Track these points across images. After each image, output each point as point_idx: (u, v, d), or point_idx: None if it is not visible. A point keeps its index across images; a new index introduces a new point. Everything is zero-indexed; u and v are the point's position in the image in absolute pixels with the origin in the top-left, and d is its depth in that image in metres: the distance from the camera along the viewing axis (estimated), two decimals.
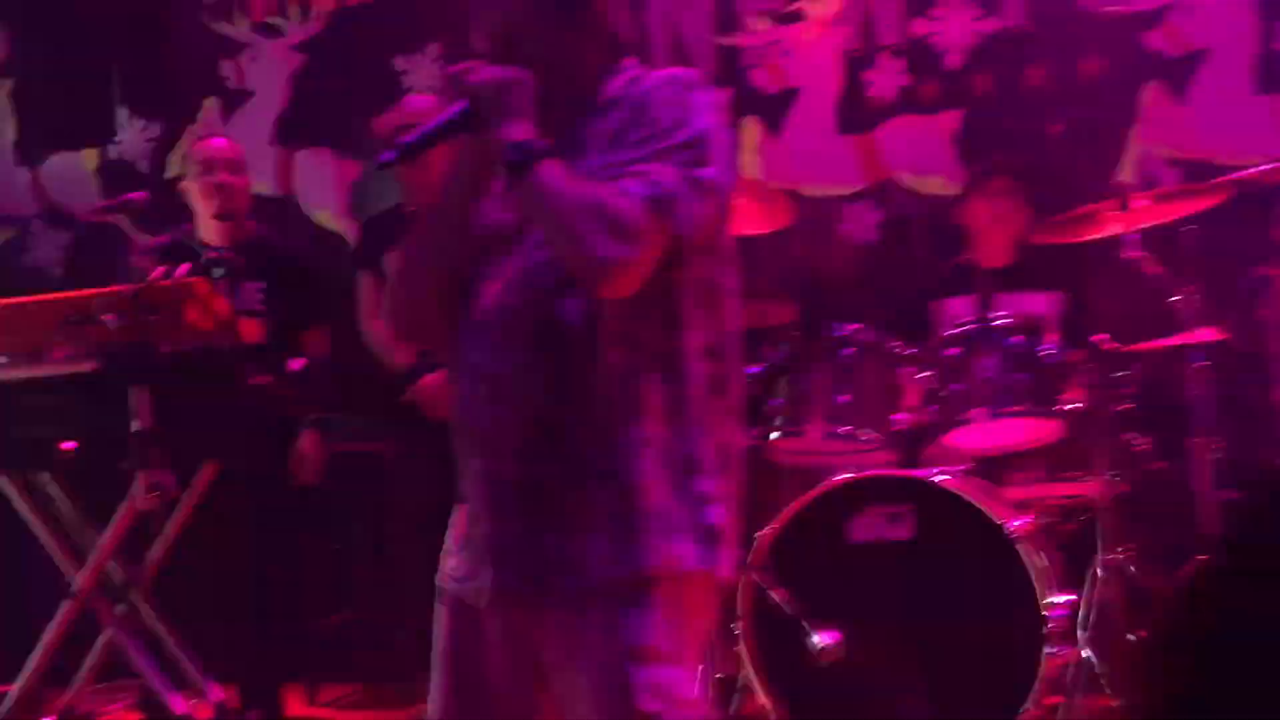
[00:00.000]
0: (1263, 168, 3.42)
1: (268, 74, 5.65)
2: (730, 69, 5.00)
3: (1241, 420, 3.57)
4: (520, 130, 1.81)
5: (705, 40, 5.02)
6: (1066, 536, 3.49)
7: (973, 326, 3.40)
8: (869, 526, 3.24)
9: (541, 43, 1.89)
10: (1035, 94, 4.71)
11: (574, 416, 1.82)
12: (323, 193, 5.59)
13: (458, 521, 1.96)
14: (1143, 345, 3.54)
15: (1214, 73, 4.49)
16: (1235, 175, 3.45)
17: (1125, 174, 4.61)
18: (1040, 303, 4.03)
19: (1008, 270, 4.17)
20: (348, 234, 5.45)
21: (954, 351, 3.41)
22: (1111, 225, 3.42)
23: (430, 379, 4.02)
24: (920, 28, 4.82)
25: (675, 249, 1.83)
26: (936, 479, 3.27)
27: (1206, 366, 3.36)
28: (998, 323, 3.39)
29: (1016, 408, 3.33)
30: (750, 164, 4.94)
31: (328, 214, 5.58)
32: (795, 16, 4.98)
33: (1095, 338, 3.47)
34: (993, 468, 3.53)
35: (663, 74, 1.91)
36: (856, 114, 4.89)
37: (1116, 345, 3.45)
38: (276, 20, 5.64)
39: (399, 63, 5.47)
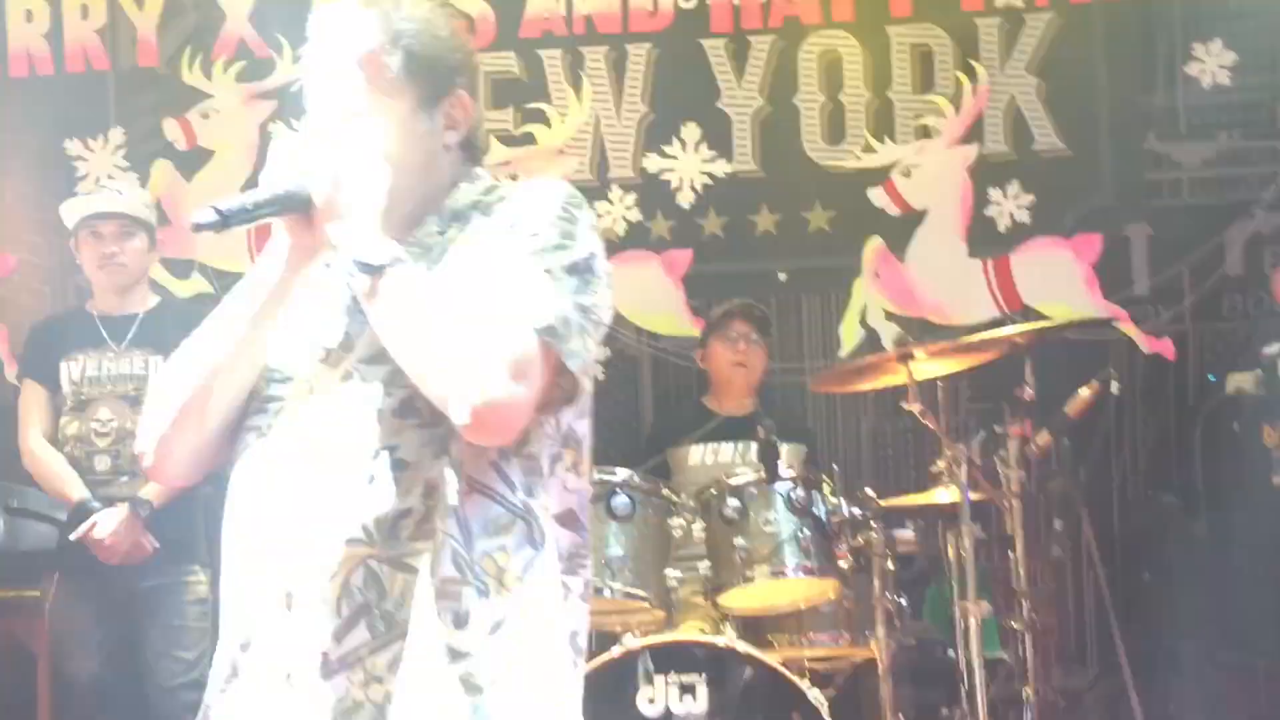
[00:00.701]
0: (1020, 328, 3.54)
1: None
2: None
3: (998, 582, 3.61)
4: (368, 227, 1.57)
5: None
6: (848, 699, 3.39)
7: (752, 479, 3.28)
8: (660, 699, 3.00)
9: (398, 134, 1.65)
10: (764, 239, 4.74)
11: (405, 583, 1.56)
12: None
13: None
14: (909, 501, 3.53)
15: (931, 234, 4.66)
16: (1000, 334, 3.53)
17: (845, 327, 4.69)
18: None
19: (747, 417, 4.10)
20: None
21: (733, 504, 3.27)
22: (891, 376, 3.41)
23: (107, 516, 3.46)
24: (653, 164, 4.77)
25: (552, 391, 1.60)
26: (732, 646, 3.09)
27: (972, 526, 3.37)
28: (784, 475, 3.28)
29: (802, 565, 3.22)
30: None
31: None
32: (526, 140, 4.81)
33: (865, 492, 3.43)
34: (765, 627, 3.39)
35: (538, 183, 1.69)
36: None
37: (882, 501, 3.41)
38: None
39: (73, 147, 4.87)
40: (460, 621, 1.56)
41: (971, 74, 4.68)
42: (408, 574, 1.56)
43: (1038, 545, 3.59)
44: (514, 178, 4.71)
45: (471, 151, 1.75)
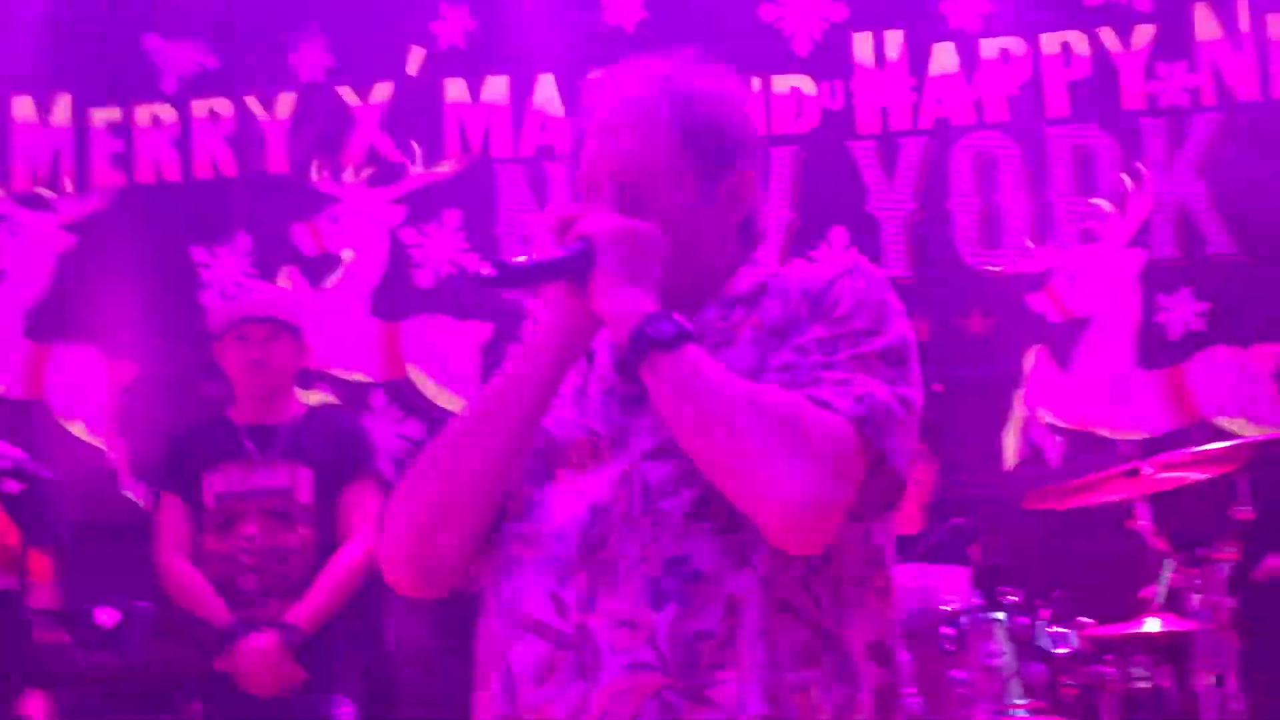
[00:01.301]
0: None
1: (25, 253, 4.74)
2: None
3: None
4: (650, 300, 1.40)
5: None
6: None
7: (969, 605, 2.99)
8: None
9: (677, 205, 1.49)
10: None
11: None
12: (81, 400, 4.66)
13: None
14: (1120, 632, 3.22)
15: (1096, 342, 4.41)
16: (1245, 440, 3.25)
17: (1010, 439, 4.42)
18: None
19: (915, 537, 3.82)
20: (108, 448, 4.54)
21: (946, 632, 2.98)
22: (1118, 491, 3.13)
23: (254, 642, 3.21)
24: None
25: (865, 494, 1.38)
26: None
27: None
28: (1005, 601, 2.99)
29: (1029, 704, 2.91)
30: None
31: (82, 426, 4.64)
32: None
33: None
34: None
35: (842, 263, 1.49)
36: None
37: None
38: (44, 192, 4.78)
39: (198, 254, 4.73)
40: None
41: (1136, 176, 4.46)
42: (710, 709, 1.34)
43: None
44: None
45: (751, 237, 1.57)
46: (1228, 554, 3.24)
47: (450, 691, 4.20)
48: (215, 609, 3.28)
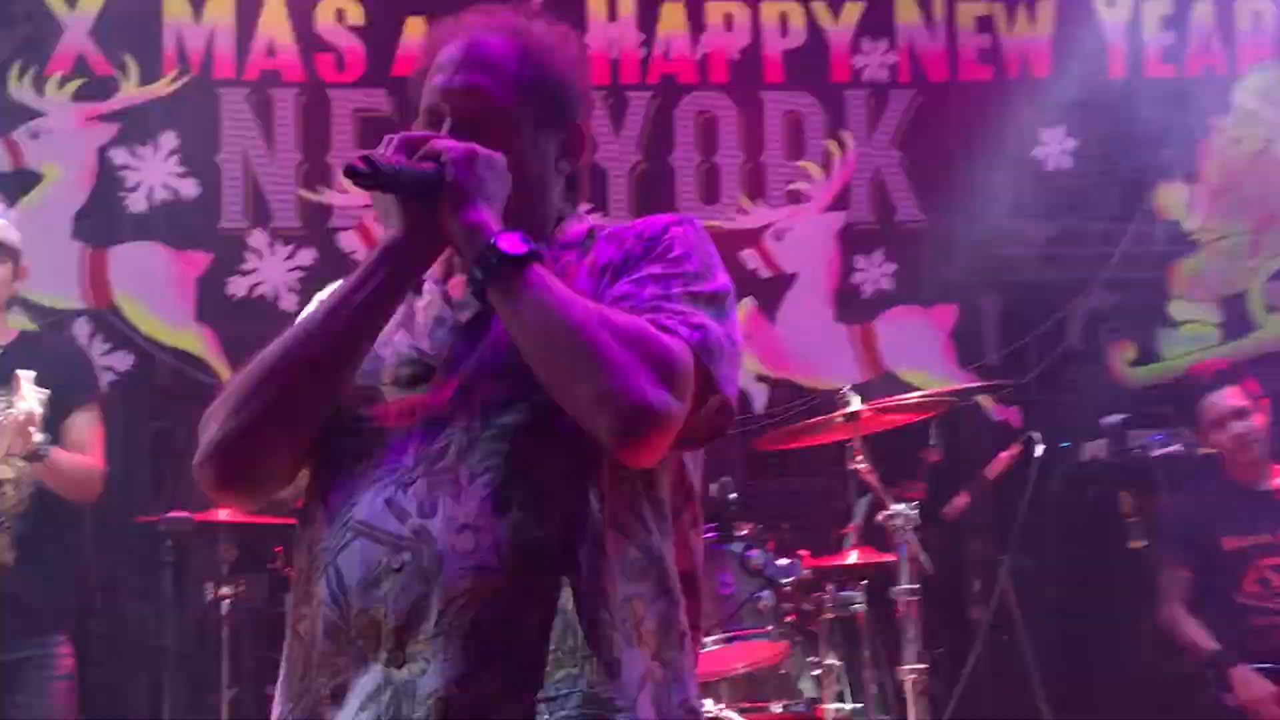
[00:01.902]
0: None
1: None
2: None
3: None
4: (498, 221, 1.45)
5: None
6: None
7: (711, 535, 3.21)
8: None
9: (515, 149, 1.54)
10: None
11: (544, 621, 1.40)
12: None
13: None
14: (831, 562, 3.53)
15: (800, 297, 4.73)
16: (940, 392, 3.61)
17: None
18: None
19: None
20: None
21: None
22: (838, 433, 3.42)
23: None
24: None
25: (694, 419, 1.46)
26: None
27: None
28: (738, 535, 3.23)
29: (758, 628, 3.16)
30: None
31: None
32: None
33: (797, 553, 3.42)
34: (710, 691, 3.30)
35: (669, 216, 1.60)
36: None
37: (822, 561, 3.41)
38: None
39: None
40: (613, 671, 1.41)
41: (841, 143, 4.81)
42: (547, 611, 1.40)
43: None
44: None
45: (575, 191, 1.66)
46: (917, 492, 3.62)
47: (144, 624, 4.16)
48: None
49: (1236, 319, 4.93)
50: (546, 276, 1.43)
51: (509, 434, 1.42)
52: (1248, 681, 3.64)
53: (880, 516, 3.23)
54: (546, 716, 1.38)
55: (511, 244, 1.42)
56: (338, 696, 1.42)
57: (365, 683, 1.40)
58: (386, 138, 1.49)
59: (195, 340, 4.47)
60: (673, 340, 1.42)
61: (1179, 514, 4.04)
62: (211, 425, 1.49)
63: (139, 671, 4.29)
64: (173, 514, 3.62)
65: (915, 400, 3.55)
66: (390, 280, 1.47)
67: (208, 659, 3.81)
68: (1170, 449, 4.37)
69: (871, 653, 3.37)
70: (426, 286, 1.57)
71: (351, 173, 1.41)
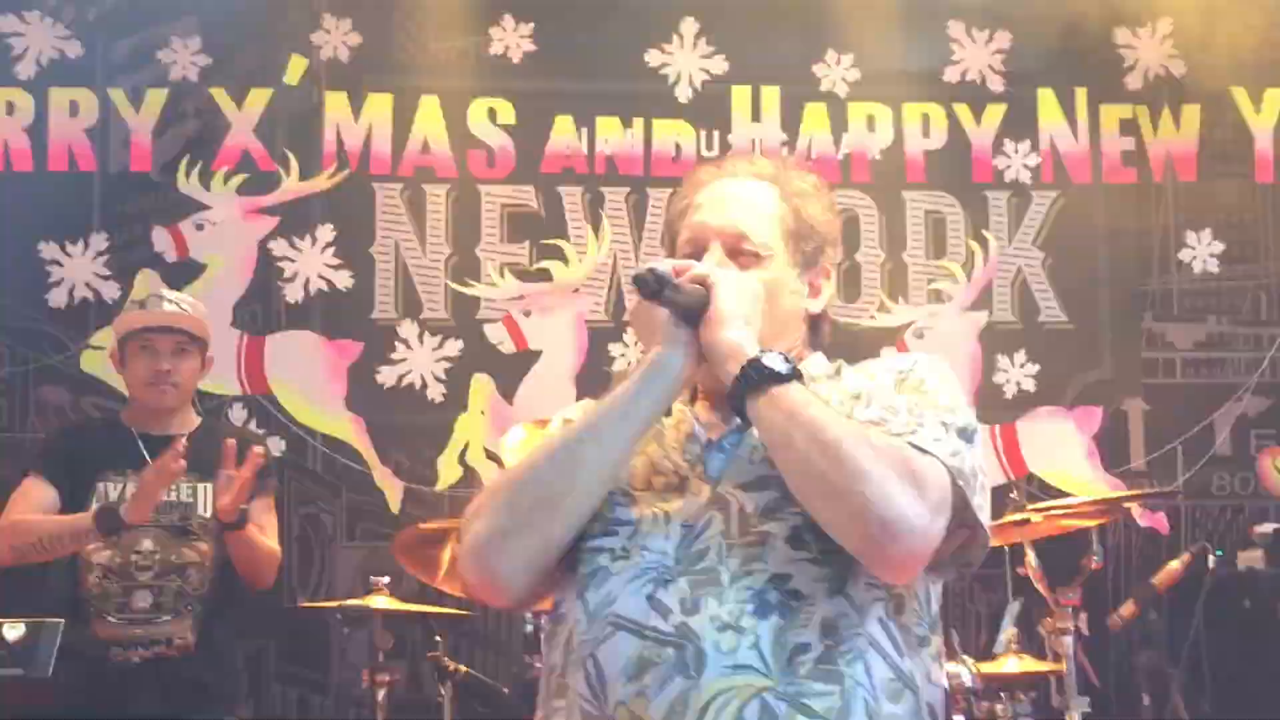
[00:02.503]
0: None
1: None
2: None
3: None
4: (754, 344, 1.54)
5: None
6: None
7: None
8: None
9: (770, 280, 1.64)
10: None
11: None
12: None
13: None
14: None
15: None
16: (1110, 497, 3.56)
17: None
18: None
19: None
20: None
21: None
22: (1002, 535, 3.39)
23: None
24: None
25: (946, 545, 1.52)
26: None
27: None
28: None
29: None
30: None
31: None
32: (541, 275, 4.69)
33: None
34: None
35: (918, 353, 1.77)
36: None
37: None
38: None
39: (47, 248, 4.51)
40: None
41: (983, 243, 4.81)
42: (808, 717, 1.43)
43: None
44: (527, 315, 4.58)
45: (818, 335, 1.74)
46: (1074, 599, 3.55)
47: None
48: (69, 519, 3.14)
49: None
50: (807, 393, 1.49)
51: (767, 541, 1.48)
52: None
53: (1045, 625, 3.17)
54: None
55: (774, 361, 1.49)
56: None
57: None
58: (655, 262, 1.57)
59: (346, 427, 4.57)
60: (930, 461, 1.47)
61: None
62: (477, 522, 1.55)
63: None
64: (350, 601, 3.66)
65: (1086, 505, 3.50)
66: (662, 393, 1.55)
67: None
68: None
69: None
70: (675, 406, 1.64)
71: (640, 281, 1.52)
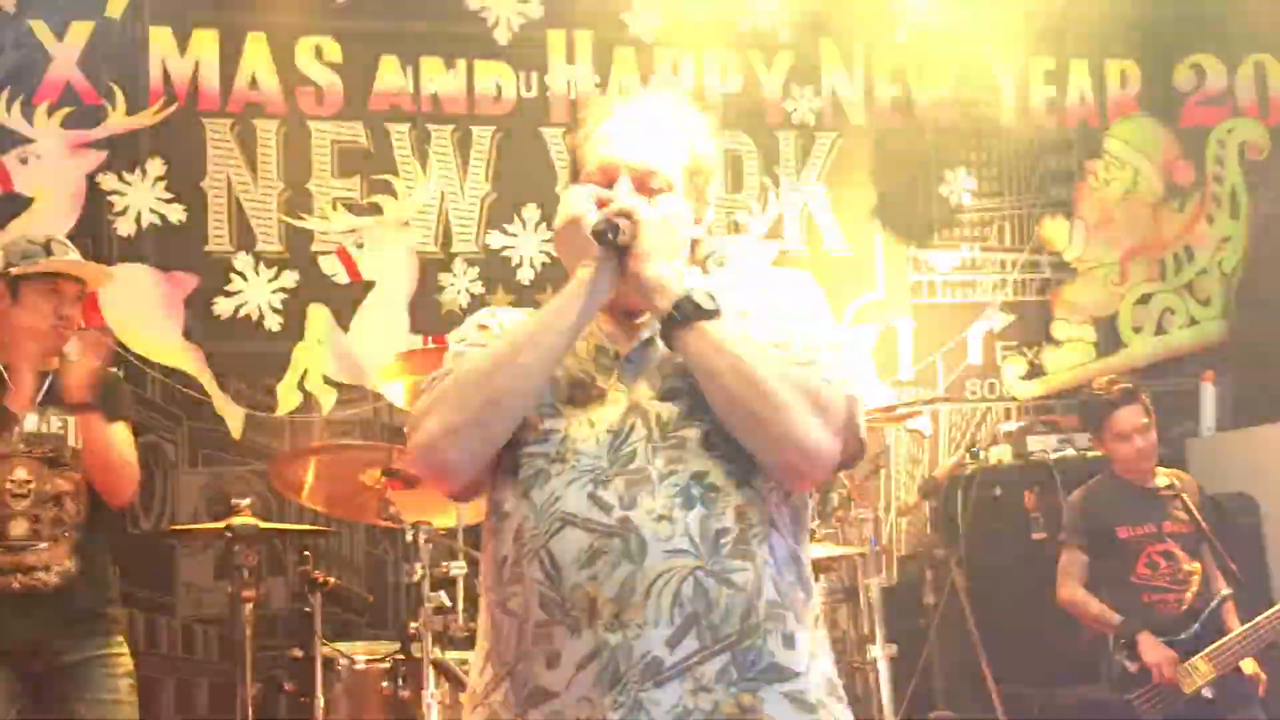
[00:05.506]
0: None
1: None
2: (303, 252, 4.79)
3: None
4: (677, 277, 1.73)
5: None
6: None
7: None
8: None
9: (680, 209, 1.81)
10: None
11: (730, 597, 1.67)
12: None
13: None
14: None
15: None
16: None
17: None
18: None
19: None
20: None
21: None
22: None
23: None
24: (495, 241, 5.01)
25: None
26: None
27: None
28: None
29: None
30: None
31: None
32: (373, 210, 4.90)
33: None
34: None
35: (788, 273, 1.92)
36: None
37: None
38: None
39: None
40: (789, 642, 1.70)
41: (774, 179, 5.32)
42: (731, 590, 1.67)
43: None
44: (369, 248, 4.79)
45: (695, 253, 1.90)
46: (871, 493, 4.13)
47: None
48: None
49: (1108, 338, 5.63)
50: (730, 329, 1.70)
51: (685, 445, 1.71)
52: (1151, 646, 4.19)
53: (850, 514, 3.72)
54: (737, 674, 1.66)
55: (701, 298, 1.70)
56: (552, 660, 1.68)
57: (578, 646, 1.65)
58: (578, 186, 1.77)
59: (184, 357, 4.67)
60: (834, 392, 1.71)
61: (1079, 508, 4.61)
62: (429, 420, 1.74)
63: (167, 674, 4.48)
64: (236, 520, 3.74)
65: (876, 412, 4.07)
66: (588, 307, 1.75)
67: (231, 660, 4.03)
68: (1065, 452, 4.97)
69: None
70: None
71: (599, 234, 1.70)
